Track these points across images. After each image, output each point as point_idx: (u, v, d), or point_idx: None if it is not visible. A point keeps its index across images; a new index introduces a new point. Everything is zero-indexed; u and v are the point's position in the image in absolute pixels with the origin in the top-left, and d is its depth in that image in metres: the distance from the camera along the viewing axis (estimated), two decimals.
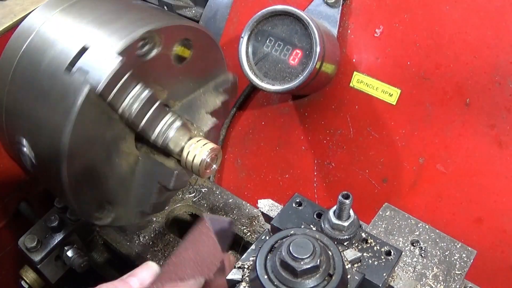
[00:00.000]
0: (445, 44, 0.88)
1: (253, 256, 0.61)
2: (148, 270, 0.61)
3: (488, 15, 0.85)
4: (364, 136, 0.94)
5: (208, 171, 0.79)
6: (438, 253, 0.71)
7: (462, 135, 0.87)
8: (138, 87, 0.70)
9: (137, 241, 0.94)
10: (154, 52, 0.72)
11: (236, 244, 0.86)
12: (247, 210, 0.89)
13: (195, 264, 0.62)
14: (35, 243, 0.94)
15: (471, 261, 0.71)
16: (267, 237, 0.62)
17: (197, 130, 0.81)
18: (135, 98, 0.70)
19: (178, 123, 0.76)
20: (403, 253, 0.66)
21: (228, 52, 0.94)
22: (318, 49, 0.82)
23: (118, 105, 0.68)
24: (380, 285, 0.60)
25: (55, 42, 0.70)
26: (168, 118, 0.75)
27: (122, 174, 0.79)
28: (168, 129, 0.76)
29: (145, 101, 0.71)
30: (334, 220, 0.62)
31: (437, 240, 0.73)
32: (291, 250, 0.54)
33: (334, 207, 0.63)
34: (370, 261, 0.61)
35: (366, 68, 0.93)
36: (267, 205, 0.82)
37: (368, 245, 0.63)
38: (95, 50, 0.67)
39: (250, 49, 0.88)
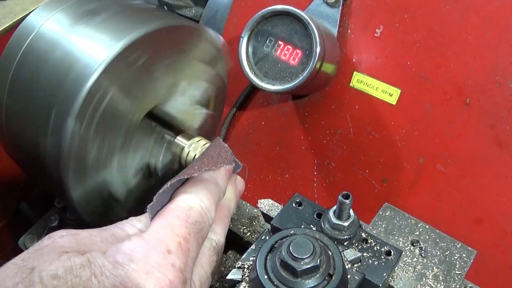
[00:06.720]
0: (445, 44, 0.88)
1: (253, 256, 0.61)
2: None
3: (488, 15, 0.85)
4: (364, 136, 0.94)
5: None
6: (438, 253, 0.71)
7: (462, 135, 0.87)
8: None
9: None
10: (153, 51, 0.72)
11: (236, 244, 0.86)
12: (247, 210, 0.89)
13: (211, 159, 0.68)
14: (35, 243, 0.94)
15: (471, 261, 0.71)
16: (267, 237, 0.62)
17: (190, 130, 0.81)
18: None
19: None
20: (403, 253, 0.66)
21: None
22: (318, 49, 0.82)
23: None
24: (380, 285, 0.60)
25: (56, 42, 0.70)
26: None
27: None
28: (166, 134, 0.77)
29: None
30: (334, 220, 0.62)
31: (437, 240, 0.73)
32: (291, 250, 0.54)
33: (334, 207, 0.63)
34: (370, 261, 0.61)
35: (366, 68, 0.93)
36: (267, 205, 0.82)
37: (368, 245, 0.63)
38: (95, 50, 0.67)
39: (250, 49, 0.88)
